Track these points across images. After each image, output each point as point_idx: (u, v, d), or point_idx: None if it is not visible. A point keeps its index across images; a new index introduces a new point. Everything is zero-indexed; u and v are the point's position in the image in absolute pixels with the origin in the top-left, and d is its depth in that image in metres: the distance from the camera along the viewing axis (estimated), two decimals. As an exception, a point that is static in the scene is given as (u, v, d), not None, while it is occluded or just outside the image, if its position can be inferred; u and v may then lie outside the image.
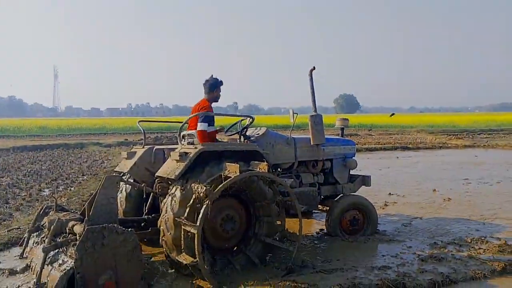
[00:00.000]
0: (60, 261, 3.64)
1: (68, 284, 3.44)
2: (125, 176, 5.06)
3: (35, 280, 3.70)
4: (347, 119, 6.70)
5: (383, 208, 7.37)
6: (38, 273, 3.66)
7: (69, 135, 30.35)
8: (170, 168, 4.32)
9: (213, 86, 5.09)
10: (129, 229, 3.79)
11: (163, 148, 5.19)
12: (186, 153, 4.26)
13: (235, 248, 4.64)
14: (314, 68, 5.65)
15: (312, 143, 5.62)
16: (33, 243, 4.42)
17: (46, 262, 3.68)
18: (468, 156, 15.90)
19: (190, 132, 5.01)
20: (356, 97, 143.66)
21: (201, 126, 4.77)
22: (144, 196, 5.18)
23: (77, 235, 3.73)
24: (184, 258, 3.91)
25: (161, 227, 4.29)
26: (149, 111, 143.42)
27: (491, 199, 8.09)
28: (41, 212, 4.67)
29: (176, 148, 4.69)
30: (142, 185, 4.75)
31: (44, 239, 4.18)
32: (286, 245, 4.64)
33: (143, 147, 5.24)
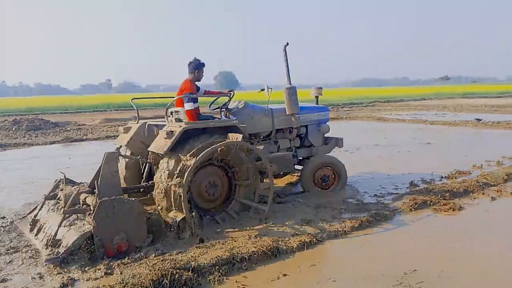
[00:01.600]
0: (79, 225, 4.48)
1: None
2: (122, 148, 5.89)
3: (48, 237, 4.45)
4: (321, 88, 7.29)
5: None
6: (55, 231, 4.43)
7: None
8: (160, 144, 5.05)
9: (195, 68, 5.60)
10: (133, 198, 4.58)
11: (154, 124, 5.89)
12: (172, 132, 4.94)
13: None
14: (287, 43, 6.14)
15: (287, 113, 6.28)
16: (46, 210, 5.16)
17: (62, 225, 4.48)
18: (332, 128, 17.56)
19: (176, 109, 5.53)
20: (235, 74, 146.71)
21: (188, 106, 5.38)
22: (142, 165, 5.84)
23: (91, 205, 4.44)
24: (175, 215, 4.71)
25: (156, 198, 5.07)
26: (5, 91, 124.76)
27: (351, 165, 9.09)
28: (55, 184, 5.56)
29: (165, 124, 5.43)
30: (138, 157, 5.57)
31: (59, 207, 5.00)
32: (259, 204, 5.37)
33: (137, 123, 5.92)
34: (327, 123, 6.97)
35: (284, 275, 3.82)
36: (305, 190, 6.44)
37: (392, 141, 12.65)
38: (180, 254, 4.18)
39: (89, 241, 4.22)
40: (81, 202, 4.84)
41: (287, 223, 5.15)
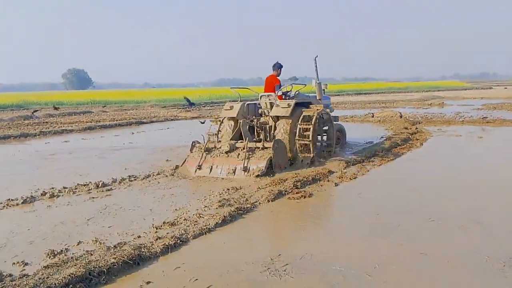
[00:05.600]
0: (258, 155, 7.68)
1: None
2: (226, 119, 9.28)
3: (229, 168, 7.65)
4: (326, 84, 10.44)
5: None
6: (244, 162, 7.54)
7: None
8: (282, 111, 8.42)
9: (278, 67, 9.25)
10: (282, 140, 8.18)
11: (248, 103, 9.39)
12: (289, 104, 8.41)
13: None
14: (317, 55, 9.84)
15: (317, 98, 9.88)
16: (204, 158, 8.03)
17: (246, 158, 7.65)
18: (197, 125, 17.69)
19: (268, 94, 9.16)
20: (87, 72, 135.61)
21: (279, 92, 9.06)
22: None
23: (260, 146, 7.86)
24: (303, 156, 8.18)
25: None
26: None
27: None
28: (193, 144, 8.58)
29: (255, 102, 9.61)
30: (253, 123, 9.00)
31: (220, 154, 8.01)
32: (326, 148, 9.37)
33: (238, 102, 9.15)
34: (330, 106, 10.64)
35: (148, 282, 3.66)
36: (330, 148, 9.32)
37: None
38: (25, 277, 3.66)
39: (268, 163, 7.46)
40: (236, 147, 8.02)
41: (148, 227, 4.96)
